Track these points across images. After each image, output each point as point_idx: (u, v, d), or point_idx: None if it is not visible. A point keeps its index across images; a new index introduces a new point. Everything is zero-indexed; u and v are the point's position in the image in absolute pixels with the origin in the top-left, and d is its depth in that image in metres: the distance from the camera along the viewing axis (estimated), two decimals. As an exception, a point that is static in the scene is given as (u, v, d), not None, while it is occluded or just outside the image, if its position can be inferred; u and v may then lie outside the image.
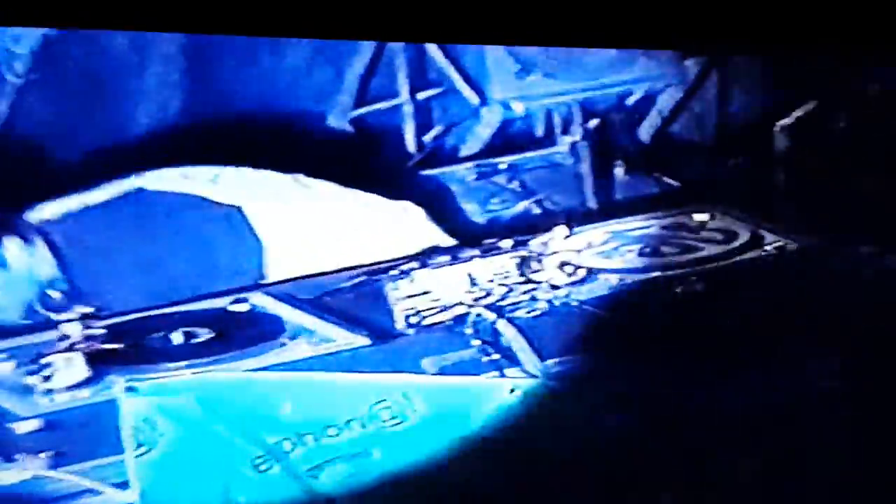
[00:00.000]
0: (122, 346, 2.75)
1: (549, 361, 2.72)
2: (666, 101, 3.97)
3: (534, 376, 2.69)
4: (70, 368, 2.64)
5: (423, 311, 2.85)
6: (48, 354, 2.67)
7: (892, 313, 2.78)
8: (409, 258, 3.11)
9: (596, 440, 2.57)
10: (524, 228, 3.24)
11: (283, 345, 2.78)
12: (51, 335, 2.76)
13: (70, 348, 2.69)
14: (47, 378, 2.63)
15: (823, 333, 2.76)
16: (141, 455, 2.42)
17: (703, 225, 3.19)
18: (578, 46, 3.52)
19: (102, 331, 2.77)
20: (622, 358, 2.71)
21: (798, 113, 3.68)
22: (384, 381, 2.60)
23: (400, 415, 2.55)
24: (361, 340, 2.77)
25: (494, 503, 2.52)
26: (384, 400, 2.56)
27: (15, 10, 2.84)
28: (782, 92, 3.82)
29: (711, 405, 2.63)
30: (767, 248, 3.07)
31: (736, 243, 3.08)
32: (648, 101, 3.98)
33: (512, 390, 2.61)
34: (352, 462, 2.48)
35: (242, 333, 2.83)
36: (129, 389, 2.49)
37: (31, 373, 2.66)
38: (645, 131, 4.02)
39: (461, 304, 2.87)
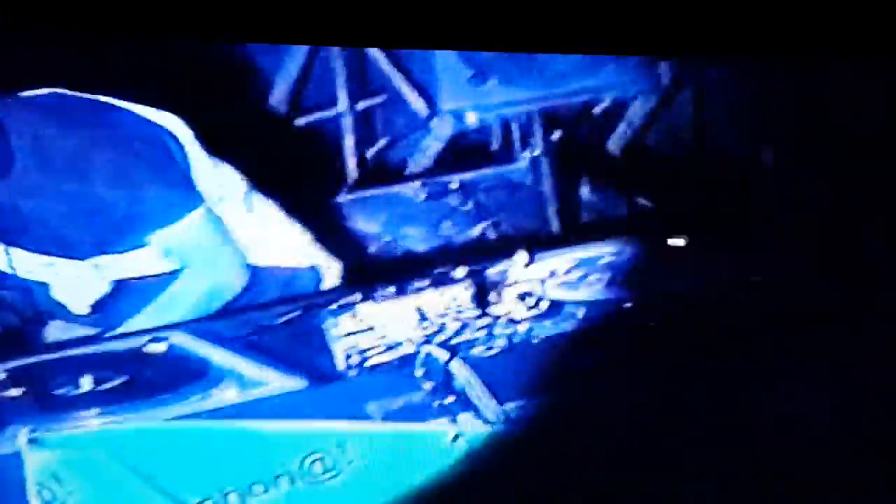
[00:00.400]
0: (22, 392, 2.73)
1: (508, 405, 2.75)
2: (637, 111, 4.06)
3: (490, 422, 2.72)
4: None
5: (367, 349, 2.85)
6: None
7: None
8: (351, 290, 3.07)
9: (552, 493, 2.63)
10: (480, 255, 3.20)
11: (206, 390, 2.76)
12: None
13: None
14: None
15: (811, 377, 2.82)
16: None
17: (678, 251, 3.19)
18: (540, 51, 3.56)
19: (2, 375, 2.76)
20: (589, 399, 2.75)
21: (785, 123, 3.76)
22: (317, 430, 2.62)
23: (334, 467, 2.58)
24: (297, 383, 2.76)
25: None
26: (317, 451, 2.59)
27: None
28: (767, 99, 3.89)
29: (686, 448, 2.70)
30: (751, 279, 3.06)
31: (715, 272, 3.08)
32: (618, 109, 4.07)
33: (456, 437, 2.65)
34: None
35: (160, 377, 2.81)
36: (33, 441, 2.53)
37: None
38: (614, 144, 4.11)
39: (409, 341, 2.86)
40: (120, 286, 3.24)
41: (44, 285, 3.22)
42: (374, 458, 2.63)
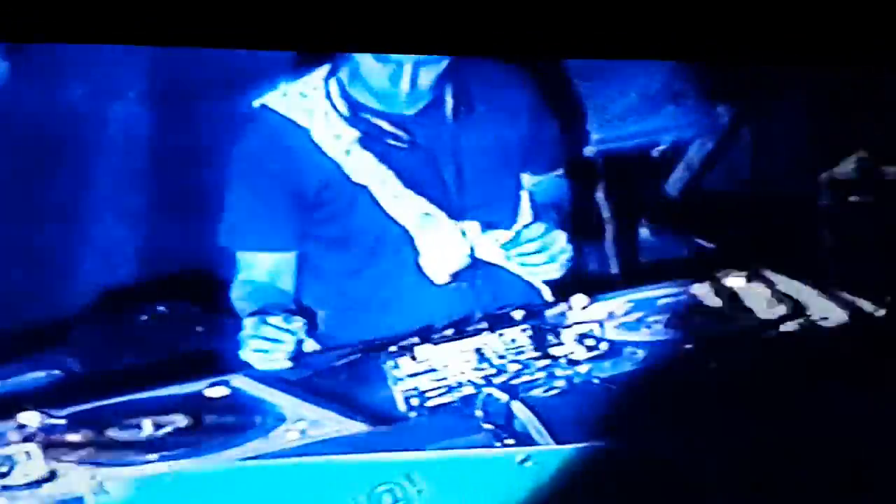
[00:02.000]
0: (84, 436, 2.76)
1: (568, 447, 2.72)
2: (696, 152, 4.04)
3: (551, 463, 2.72)
4: (28, 463, 2.65)
5: (427, 391, 2.87)
6: (3, 447, 2.69)
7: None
8: (411, 332, 3.11)
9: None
10: (540, 297, 3.27)
11: (267, 433, 2.78)
12: (4, 426, 2.77)
13: (27, 440, 2.71)
14: (3, 475, 2.64)
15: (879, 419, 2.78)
16: None
17: (739, 291, 3.19)
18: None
19: (63, 420, 2.80)
20: (649, 440, 2.71)
21: (847, 163, 3.73)
22: (383, 462, 2.61)
23: (403, 497, 2.58)
24: (357, 426, 2.77)
25: None
26: (384, 483, 2.58)
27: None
28: (827, 140, 3.87)
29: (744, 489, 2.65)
30: (812, 317, 3.07)
31: (777, 312, 3.09)
32: (676, 153, 4.06)
33: (524, 460, 2.63)
34: None
35: (220, 421, 2.84)
36: (98, 487, 2.53)
37: None
38: (673, 186, 4.09)
39: (469, 383, 2.88)
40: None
41: None
42: (443, 485, 2.62)
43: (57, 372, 3.33)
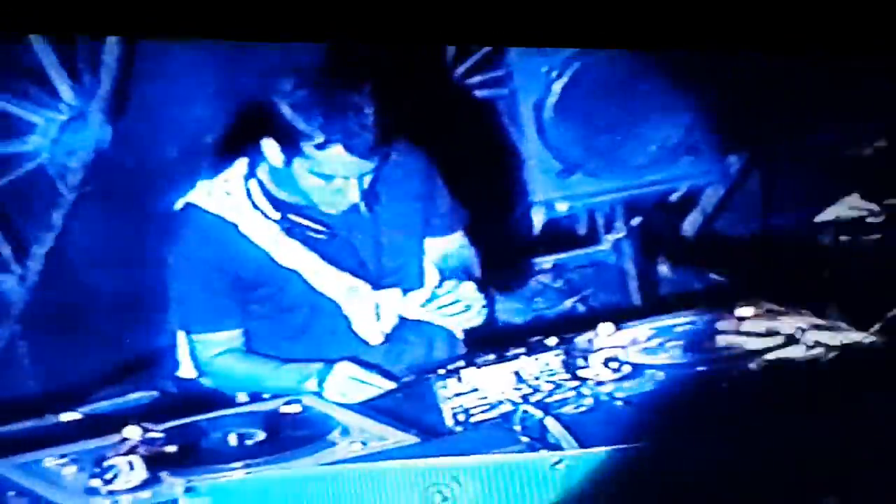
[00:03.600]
0: (179, 448, 2.84)
1: (595, 450, 2.70)
2: (709, 198, 4.15)
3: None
4: (130, 471, 2.72)
5: (471, 408, 2.93)
6: (109, 458, 2.74)
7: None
8: (457, 357, 3.21)
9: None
10: (569, 326, 3.29)
11: (333, 444, 2.86)
12: (109, 439, 2.85)
13: (130, 452, 2.77)
14: (108, 481, 2.71)
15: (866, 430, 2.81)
16: None
17: (747, 320, 3.22)
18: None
19: (160, 434, 2.86)
20: (667, 451, 2.76)
21: (842, 207, 3.80)
22: (434, 467, 2.66)
23: (452, 497, 2.63)
24: (411, 439, 2.85)
25: None
26: (435, 484, 2.63)
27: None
28: (825, 186, 3.94)
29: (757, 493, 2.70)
30: (813, 345, 3.10)
31: (778, 339, 3.12)
32: (692, 198, 4.15)
33: (557, 463, 2.65)
34: None
35: (294, 434, 2.91)
36: (189, 490, 2.60)
37: (93, 476, 2.73)
38: (689, 227, 4.19)
39: (508, 401, 2.93)
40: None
41: None
42: (486, 486, 2.63)
43: (155, 393, 3.47)
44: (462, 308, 3.18)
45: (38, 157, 3.65)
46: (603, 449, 2.70)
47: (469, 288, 3.19)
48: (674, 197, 4.14)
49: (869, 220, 3.75)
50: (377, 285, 3.30)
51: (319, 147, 3.07)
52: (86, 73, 3.65)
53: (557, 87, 3.80)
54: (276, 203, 3.23)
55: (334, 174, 3.11)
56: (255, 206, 3.22)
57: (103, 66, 3.64)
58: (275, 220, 3.22)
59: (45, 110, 3.62)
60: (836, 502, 2.72)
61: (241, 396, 3.27)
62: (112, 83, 3.64)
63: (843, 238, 3.70)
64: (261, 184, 3.24)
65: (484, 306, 3.20)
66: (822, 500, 2.73)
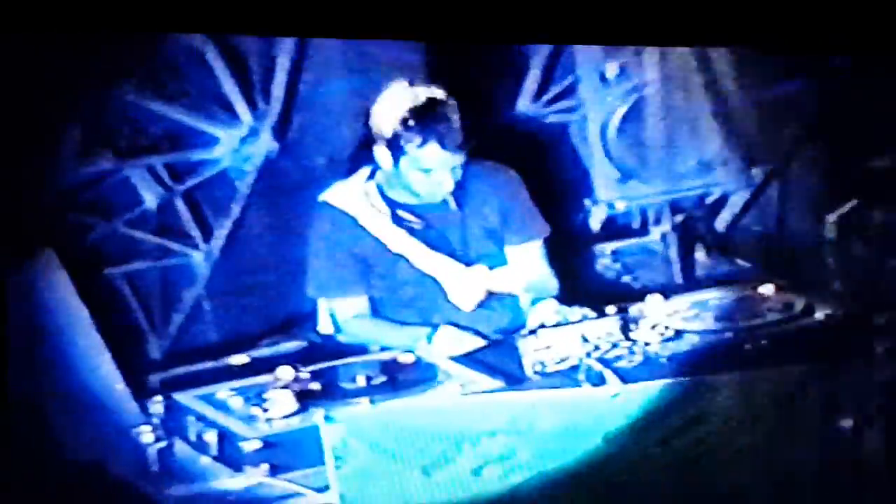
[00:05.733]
0: (321, 386, 2.85)
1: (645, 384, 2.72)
2: (737, 201, 4.00)
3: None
4: (283, 403, 2.75)
5: (546, 361, 2.88)
6: (267, 391, 2.79)
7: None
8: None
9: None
10: (624, 298, 3.22)
11: (439, 384, 2.85)
12: (268, 378, 2.86)
13: (283, 388, 2.80)
14: (266, 410, 2.74)
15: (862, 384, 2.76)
16: (338, 467, 2.52)
17: (766, 297, 3.16)
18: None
19: (307, 375, 2.88)
20: (697, 391, 2.74)
21: (843, 209, 3.68)
22: (518, 400, 2.64)
23: (534, 424, 2.59)
24: (498, 384, 2.83)
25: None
26: (520, 414, 2.60)
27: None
28: (830, 193, 3.82)
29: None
30: (817, 316, 3.05)
31: (793, 311, 3.07)
32: (723, 200, 4.01)
33: (615, 395, 2.66)
34: (502, 464, 2.51)
35: (408, 377, 2.91)
36: (327, 418, 2.59)
37: (255, 405, 2.77)
38: (721, 223, 4.05)
39: (575, 356, 2.89)
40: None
41: None
42: (560, 415, 2.62)
43: (304, 343, 3.42)
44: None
45: (221, 162, 3.63)
46: (649, 385, 2.67)
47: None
48: (709, 199, 4.02)
49: (865, 221, 3.61)
50: (467, 264, 3.26)
51: (419, 146, 3.08)
52: (260, 101, 3.66)
53: (618, 113, 3.75)
54: (388, 201, 3.23)
55: (432, 168, 3.11)
56: (371, 205, 3.23)
57: (272, 97, 3.65)
58: (386, 215, 3.22)
59: (229, 128, 3.62)
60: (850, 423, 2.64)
61: (372, 348, 3.23)
62: (280, 109, 3.63)
63: (846, 234, 3.56)
64: (378, 186, 3.25)
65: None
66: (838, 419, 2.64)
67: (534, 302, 3.20)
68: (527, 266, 3.29)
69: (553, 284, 3.31)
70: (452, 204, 3.22)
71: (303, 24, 3.01)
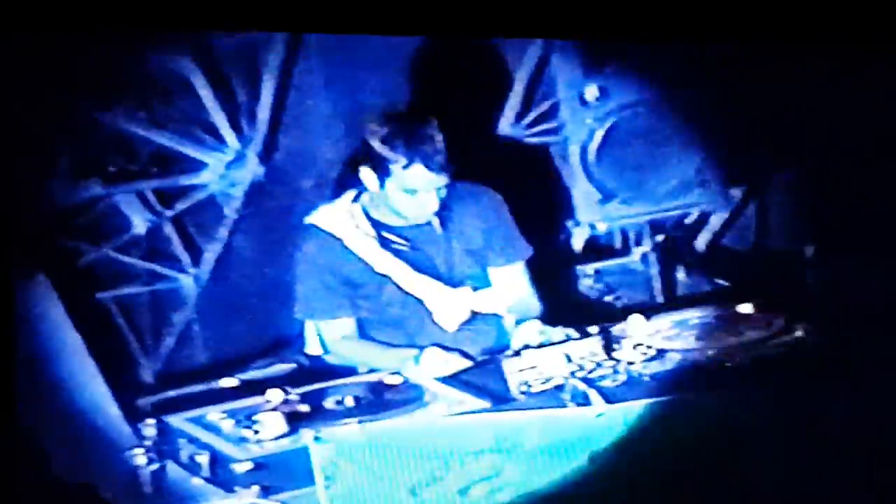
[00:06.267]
0: (310, 407, 2.84)
1: (627, 404, 2.70)
2: (716, 221, 4.04)
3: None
4: (274, 424, 2.74)
5: (531, 381, 2.88)
6: (257, 414, 2.78)
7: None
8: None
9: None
10: (607, 318, 3.23)
11: (426, 405, 2.85)
12: (258, 400, 2.86)
13: (273, 410, 2.80)
14: (257, 432, 2.73)
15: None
16: (327, 487, 2.51)
17: (746, 315, 3.16)
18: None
19: (296, 396, 2.87)
20: (682, 411, 2.73)
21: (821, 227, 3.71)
22: (504, 420, 2.65)
23: (521, 443, 2.58)
24: (484, 404, 2.82)
25: None
26: (506, 433, 2.59)
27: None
28: (806, 214, 3.86)
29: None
30: (796, 334, 3.05)
31: (772, 330, 3.07)
32: (703, 220, 4.05)
33: (599, 415, 2.66)
34: (489, 483, 2.51)
35: (395, 398, 2.90)
36: (317, 439, 2.59)
37: (245, 427, 2.76)
38: (701, 243, 4.08)
39: (560, 376, 2.88)
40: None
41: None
42: (545, 435, 2.62)
43: (293, 365, 3.42)
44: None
45: (209, 187, 3.65)
46: (633, 404, 2.67)
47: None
48: (688, 220, 4.06)
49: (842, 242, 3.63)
50: (452, 285, 3.27)
51: (405, 167, 3.09)
52: (245, 125, 3.67)
53: (598, 135, 3.78)
54: (373, 223, 3.24)
55: (417, 188, 3.12)
56: (357, 226, 3.23)
57: (258, 120, 3.65)
58: (371, 237, 3.22)
59: (215, 153, 3.64)
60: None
61: (360, 369, 3.24)
62: (265, 133, 3.64)
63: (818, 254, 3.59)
64: (364, 209, 3.26)
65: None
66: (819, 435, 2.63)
67: (518, 322, 3.21)
68: (510, 287, 3.30)
69: (535, 305, 3.31)
70: (437, 225, 3.23)
71: (284, 22, 3.03)
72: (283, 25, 3.25)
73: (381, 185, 3.15)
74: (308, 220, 3.27)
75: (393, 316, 3.26)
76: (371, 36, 3.36)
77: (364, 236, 3.22)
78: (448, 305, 3.24)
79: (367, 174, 3.17)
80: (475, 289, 3.29)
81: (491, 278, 3.32)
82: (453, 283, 3.26)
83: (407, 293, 3.24)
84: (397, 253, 3.22)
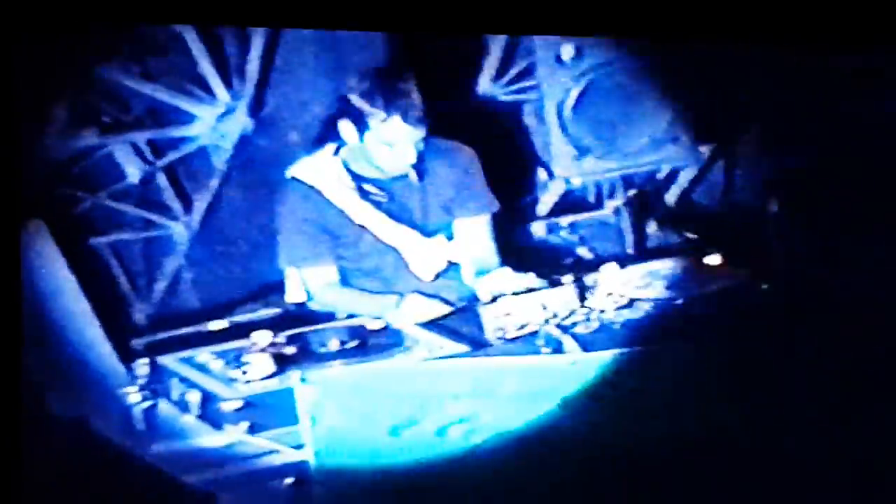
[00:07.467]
0: (296, 350, 2.87)
1: (600, 353, 2.74)
2: (686, 177, 4.08)
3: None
4: (261, 365, 2.77)
5: (507, 328, 2.92)
6: (246, 355, 2.81)
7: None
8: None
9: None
10: (580, 268, 3.27)
11: (407, 349, 2.89)
12: (246, 342, 2.88)
13: (261, 351, 2.82)
14: (245, 372, 2.76)
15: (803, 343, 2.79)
16: (312, 426, 2.53)
17: (712, 266, 3.21)
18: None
19: (283, 339, 2.90)
20: (649, 357, 2.77)
21: (785, 184, 3.74)
22: (481, 366, 2.69)
23: (497, 389, 2.61)
24: (463, 348, 2.86)
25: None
26: (483, 379, 2.63)
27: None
28: (772, 169, 3.90)
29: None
30: (760, 283, 3.10)
31: (738, 279, 3.12)
32: (673, 176, 4.08)
33: (573, 363, 2.71)
34: (465, 425, 2.52)
35: (378, 342, 2.94)
36: (303, 380, 2.64)
37: (235, 368, 2.79)
38: (671, 198, 4.12)
39: (535, 323, 2.92)
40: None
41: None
42: (521, 381, 2.64)
43: (280, 310, 3.43)
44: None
45: (200, 139, 3.65)
46: (605, 354, 2.71)
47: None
48: (659, 175, 4.07)
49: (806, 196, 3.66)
50: (426, 234, 3.27)
51: (383, 121, 3.09)
52: (236, 79, 3.66)
53: (574, 93, 3.76)
54: (353, 175, 3.23)
55: (395, 141, 3.12)
56: (337, 178, 3.23)
57: (247, 76, 3.65)
58: (351, 188, 3.22)
59: (206, 106, 3.64)
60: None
61: (340, 315, 3.26)
62: (254, 88, 3.64)
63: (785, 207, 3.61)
64: (343, 162, 3.25)
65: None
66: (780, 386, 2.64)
67: (478, 274, 3.21)
68: (470, 239, 3.30)
69: (495, 260, 3.30)
70: (413, 177, 3.23)
71: (269, 16, 3.01)
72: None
73: (360, 139, 3.15)
74: (289, 172, 3.26)
75: (371, 266, 3.27)
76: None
77: (344, 188, 3.22)
78: (424, 255, 3.25)
79: (346, 128, 3.17)
80: (450, 239, 3.30)
81: (454, 229, 3.32)
82: (428, 233, 3.27)
83: (384, 244, 3.24)
84: (377, 204, 3.23)
